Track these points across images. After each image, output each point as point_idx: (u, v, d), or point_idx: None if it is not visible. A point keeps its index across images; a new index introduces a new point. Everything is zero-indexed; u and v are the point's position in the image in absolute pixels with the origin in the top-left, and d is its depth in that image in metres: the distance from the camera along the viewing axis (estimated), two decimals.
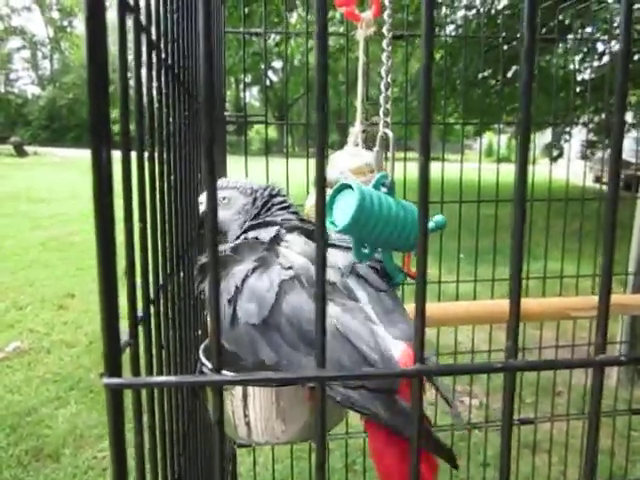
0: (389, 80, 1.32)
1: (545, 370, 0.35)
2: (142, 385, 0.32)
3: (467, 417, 2.35)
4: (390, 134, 1.28)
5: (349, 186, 1.08)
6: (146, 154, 0.56)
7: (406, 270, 1.21)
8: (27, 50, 47.99)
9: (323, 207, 0.36)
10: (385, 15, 1.38)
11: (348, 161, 1.38)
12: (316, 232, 0.36)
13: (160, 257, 0.59)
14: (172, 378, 0.32)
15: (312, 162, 1.85)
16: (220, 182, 1.19)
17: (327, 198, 1.11)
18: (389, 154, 1.27)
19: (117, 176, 0.48)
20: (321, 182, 0.36)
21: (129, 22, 0.44)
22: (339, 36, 1.98)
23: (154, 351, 0.48)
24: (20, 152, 25.12)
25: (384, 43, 1.33)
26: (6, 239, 8.24)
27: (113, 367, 0.30)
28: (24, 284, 6.09)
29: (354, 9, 1.44)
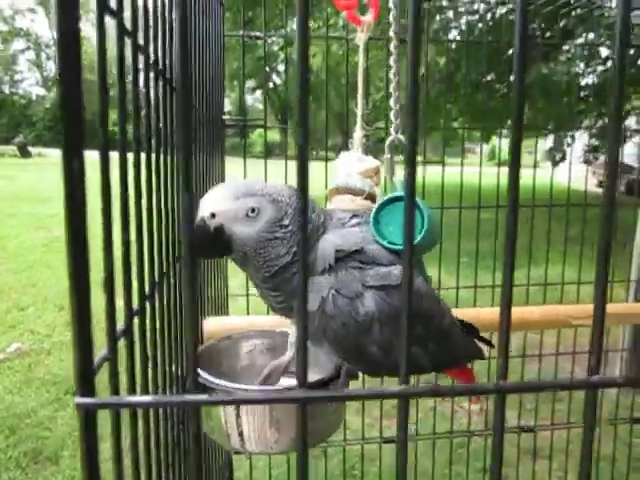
0: (398, 82, 1.30)
1: (536, 392, 0.33)
2: (117, 405, 0.31)
3: (467, 423, 2.33)
4: (403, 139, 1.27)
5: (397, 199, 1.06)
6: (131, 156, 0.55)
7: None
8: (31, 51, 48.13)
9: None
10: (391, 16, 1.37)
11: (356, 165, 1.36)
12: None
13: (147, 266, 0.57)
14: (148, 398, 0.30)
15: (314, 164, 1.84)
16: (246, 185, 0.97)
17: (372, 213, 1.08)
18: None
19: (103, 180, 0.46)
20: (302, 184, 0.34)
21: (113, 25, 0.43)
22: (340, 40, 1.98)
23: (139, 365, 0.47)
24: (24, 153, 25.16)
25: (392, 45, 1.32)
26: (10, 239, 8.24)
27: (85, 385, 0.29)
28: (27, 285, 6.08)
29: (355, 12, 1.44)
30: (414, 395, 0.31)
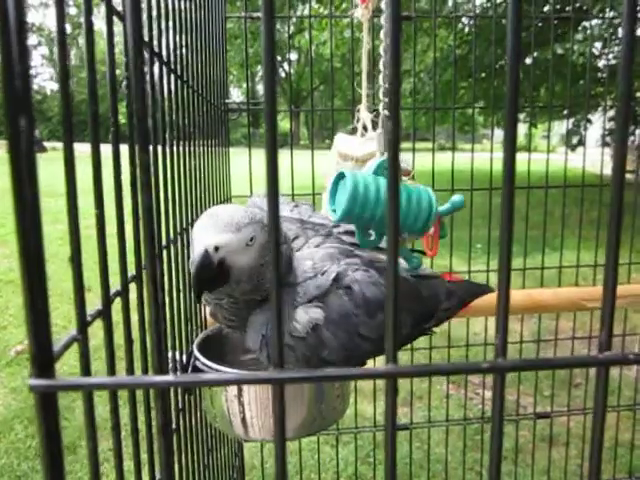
0: (387, 58, 1.27)
1: (538, 370, 0.31)
2: (72, 387, 0.29)
3: (481, 410, 2.30)
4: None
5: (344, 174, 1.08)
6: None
7: (426, 251, 1.22)
8: (44, 46, 48.46)
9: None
10: None
11: (357, 149, 1.34)
12: None
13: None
14: (107, 379, 0.28)
15: (323, 153, 1.80)
16: (241, 214, 0.93)
17: (329, 186, 1.10)
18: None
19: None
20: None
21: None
22: (345, 19, 1.94)
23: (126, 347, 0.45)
24: (39, 147, 25.45)
25: (382, 17, 1.28)
26: None
27: (41, 366, 0.26)
28: None
29: None
30: (402, 375, 0.28)
